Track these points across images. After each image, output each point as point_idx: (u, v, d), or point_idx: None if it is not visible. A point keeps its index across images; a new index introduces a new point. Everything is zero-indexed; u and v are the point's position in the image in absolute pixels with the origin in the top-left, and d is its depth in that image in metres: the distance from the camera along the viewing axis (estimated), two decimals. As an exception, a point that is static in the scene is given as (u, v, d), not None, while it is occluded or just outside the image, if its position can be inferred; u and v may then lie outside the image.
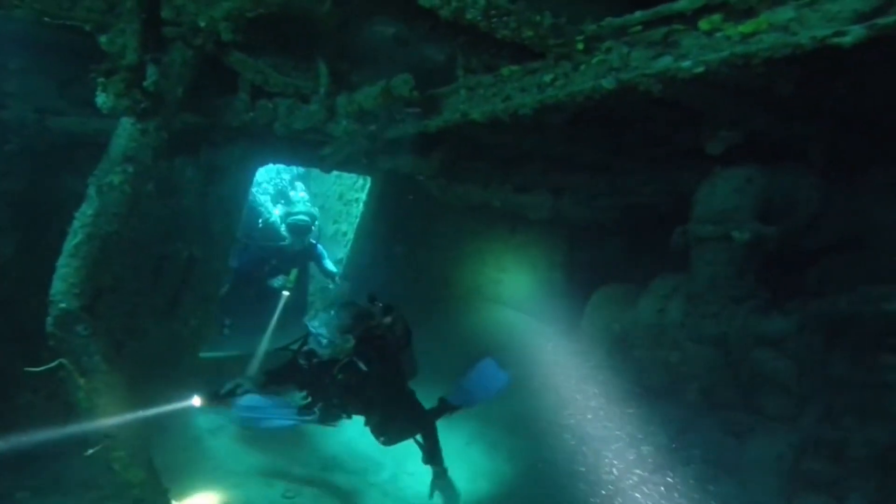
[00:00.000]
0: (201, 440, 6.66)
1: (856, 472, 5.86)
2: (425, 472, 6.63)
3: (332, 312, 4.32)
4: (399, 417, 4.76)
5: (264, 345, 7.33)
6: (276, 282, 8.08)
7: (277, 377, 4.51)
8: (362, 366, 4.25)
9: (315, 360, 4.28)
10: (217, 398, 4.07)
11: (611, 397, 6.76)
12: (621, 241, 8.55)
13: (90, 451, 3.84)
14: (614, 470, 6.39)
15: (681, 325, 6.37)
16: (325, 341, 4.20)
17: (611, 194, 7.95)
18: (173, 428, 6.45)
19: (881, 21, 2.34)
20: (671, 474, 6.09)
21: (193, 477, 5.88)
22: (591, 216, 7.94)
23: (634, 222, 8.10)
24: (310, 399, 4.53)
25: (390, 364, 4.52)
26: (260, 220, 8.54)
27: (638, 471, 6.26)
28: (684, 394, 6.37)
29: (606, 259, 8.52)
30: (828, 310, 6.36)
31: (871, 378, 6.17)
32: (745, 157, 6.21)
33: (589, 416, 6.82)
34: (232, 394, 4.14)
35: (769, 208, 6.35)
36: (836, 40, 2.51)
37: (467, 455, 6.99)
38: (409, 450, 5.48)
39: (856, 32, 2.43)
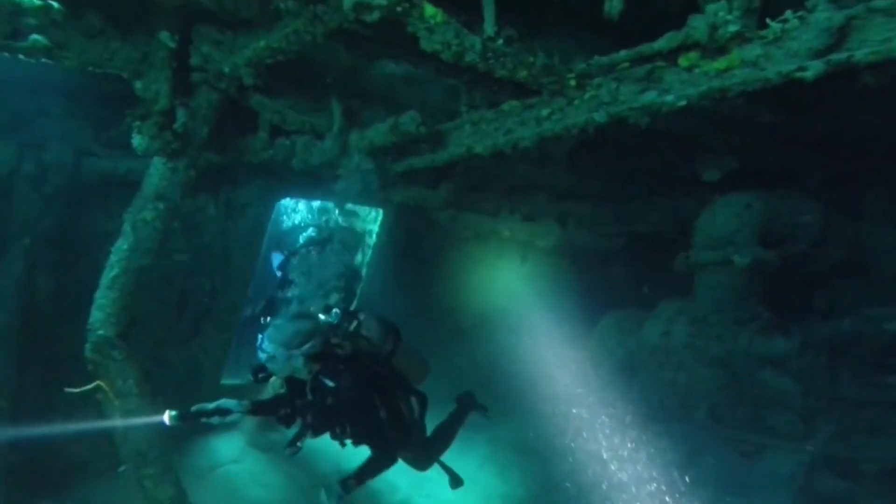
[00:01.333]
0: (220, 465, 6.85)
1: (867, 488, 5.91)
2: (441, 495, 6.77)
3: (276, 325, 3.91)
4: (415, 430, 4.30)
5: None
6: None
7: (264, 408, 4.09)
8: (328, 382, 3.82)
9: (262, 375, 3.90)
10: (187, 418, 3.75)
11: (620, 420, 6.87)
12: (627, 267, 8.74)
13: (122, 469, 4.08)
14: (625, 491, 6.46)
15: (686, 347, 6.52)
16: (263, 356, 3.81)
17: (616, 222, 8.21)
18: (193, 454, 6.68)
19: (835, 57, 2.61)
20: (682, 494, 6.16)
21: (211, 501, 6.06)
22: (597, 243, 8.16)
23: (640, 249, 8.30)
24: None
25: (371, 373, 4.02)
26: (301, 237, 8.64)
27: (649, 490, 6.33)
28: (692, 414, 6.48)
29: (613, 285, 8.70)
30: (831, 331, 6.50)
31: (879, 396, 6.27)
32: (746, 185, 6.45)
33: (598, 439, 6.92)
34: (200, 416, 3.80)
35: (770, 233, 6.55)
36: (799, 74, 2.78)
37: (480, 478, 7.10)
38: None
39: (815, 67, 2.71)
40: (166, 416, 3.74)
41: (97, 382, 3.97)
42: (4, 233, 5.27)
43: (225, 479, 6.64)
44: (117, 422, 4.13)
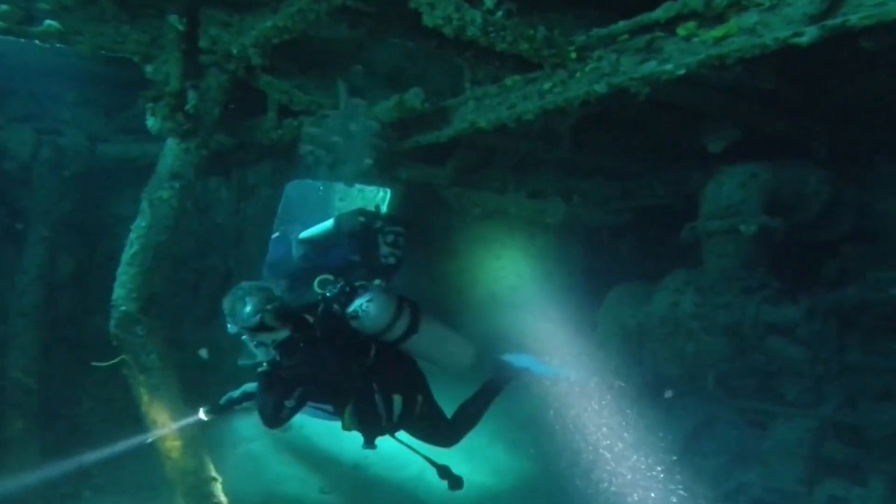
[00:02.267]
0: (241, 444, 7.04)
1: (875, 454, 5.97)
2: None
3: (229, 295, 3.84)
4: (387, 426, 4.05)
5: None
6: None
7: None
8: (277, 356, 3.69)
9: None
10: (219, 410, 3.94)
11: (629, 393, 6.94)
12: (636, 242, 8.77)
13: (149, 440, 4.27)
14: (635, 464, 6.56)
15: (694, 317, 6.58)
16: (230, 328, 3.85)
17: (623, 197, 8.24)
18: (215, 433, 6.87)
19: (830, 22, 2.66)
20: (691, 467, 6.23)
21: (234, 477, 6.24)
22: (605, 219, 8.21)
23: (648, 223, 8.33)
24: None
25: (338, 350, 3.79)
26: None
27: (658, 466, 6.41)
28: (702, 384, 6.56)
29: (622, 260, 8.74)
30: (838, 297, 6.53)
31: (888, 362, 6.30)
32: (754, 156, 6.47)
33: (608, 414, 7.00)
34: (232, 405, 3.93)
35: (776, 202, 6.58)
36: (795, 40, 2.82)
37: (489, 453, 7.25)
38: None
39: (811, 33, 2.74)
40: (202, 413, 4.01)
41: (122, 357, 4.15)
42: (27, 217, 5.44)
43: (246, 457, 6.83)
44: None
